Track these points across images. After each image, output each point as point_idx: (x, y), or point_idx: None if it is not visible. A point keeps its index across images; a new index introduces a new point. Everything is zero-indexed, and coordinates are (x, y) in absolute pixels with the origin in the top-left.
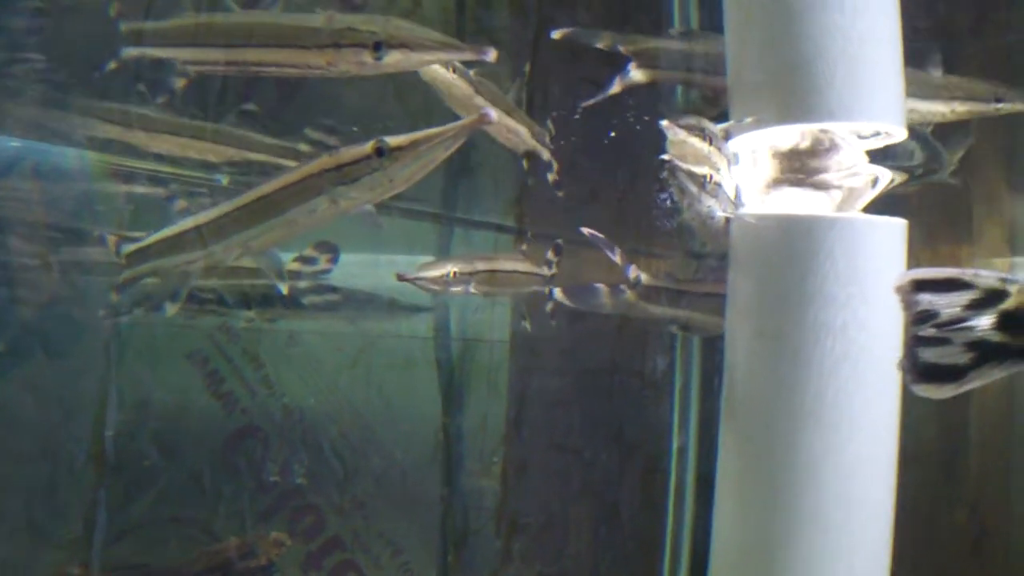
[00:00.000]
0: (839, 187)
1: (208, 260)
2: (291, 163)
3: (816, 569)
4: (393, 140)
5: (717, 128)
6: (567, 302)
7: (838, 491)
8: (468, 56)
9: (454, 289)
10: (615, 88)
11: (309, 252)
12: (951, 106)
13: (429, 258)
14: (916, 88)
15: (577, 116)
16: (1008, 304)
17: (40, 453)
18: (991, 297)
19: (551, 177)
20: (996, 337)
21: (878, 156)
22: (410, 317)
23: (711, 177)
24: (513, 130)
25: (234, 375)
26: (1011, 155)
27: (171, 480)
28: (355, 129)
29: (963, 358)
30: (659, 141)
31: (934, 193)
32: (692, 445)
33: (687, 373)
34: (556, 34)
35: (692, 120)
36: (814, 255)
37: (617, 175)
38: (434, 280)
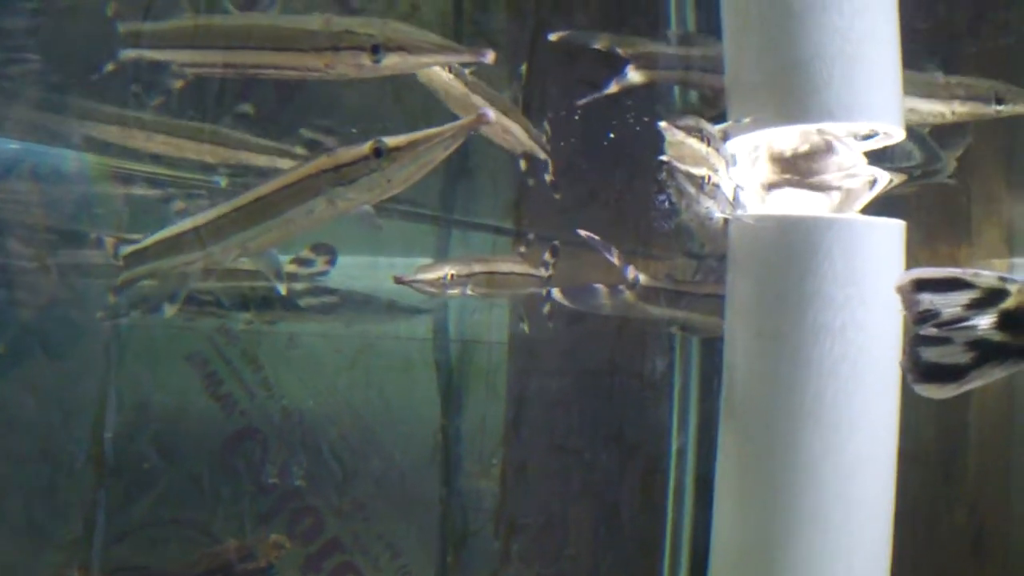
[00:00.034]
0: (837, 188)
1: (207, 261)
2: (289, 164)
3: (816, 569)
4: (391, 141)
5: (715, 129)
6: (566, 303)
7: (838, 491)
8: (466, 58)
9: (451, 291)
10: (612, 88)
11: (306, 254)
12: (951, 107)
13: (427, 260)
14: (916, 88)
15: (575, 118)
16: (1008, 304)
17: (40, 454)
18: (991, 297)
19: (548, 178)
20: (997, 336)
21: (876, 157)
22: (409, 319)
23: (709, 178)
24: (509, 130)
25: (233, 377)
26: (1010, 155)
27: (170, 482)
28: (354, 130)
29: (964, 358)
30: (657, 142)
31: (933, 194)
32: (691, 446)
33: (686, 374)
34: (553, 36)
35: (690, 121)
36: (812, 256)
37: (615, 176)
38: (431, 282)
